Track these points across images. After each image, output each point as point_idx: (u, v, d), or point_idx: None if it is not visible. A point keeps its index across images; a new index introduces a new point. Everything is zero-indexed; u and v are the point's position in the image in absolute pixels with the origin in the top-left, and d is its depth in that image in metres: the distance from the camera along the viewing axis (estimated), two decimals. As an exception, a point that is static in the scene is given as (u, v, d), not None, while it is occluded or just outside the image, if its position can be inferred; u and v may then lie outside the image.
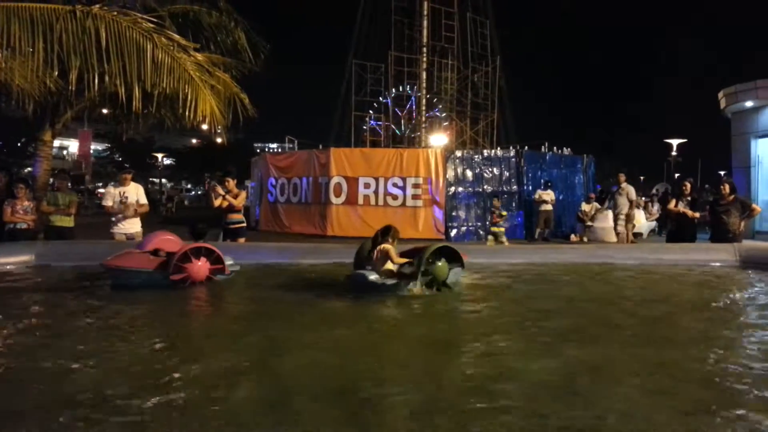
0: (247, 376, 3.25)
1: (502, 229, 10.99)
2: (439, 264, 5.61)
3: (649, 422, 2.63)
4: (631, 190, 13.54)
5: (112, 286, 5.82)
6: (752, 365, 3.48)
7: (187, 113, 8.77)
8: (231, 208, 8.44)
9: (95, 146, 49.78)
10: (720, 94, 15.67)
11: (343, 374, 3.31)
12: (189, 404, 2.81)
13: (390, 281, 5.63)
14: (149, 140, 48.82)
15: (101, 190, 39.62)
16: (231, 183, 8.54)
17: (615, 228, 13.49)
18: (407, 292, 5.55)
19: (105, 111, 11.87)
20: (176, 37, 8.97)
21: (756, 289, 6.50)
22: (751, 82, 14.22)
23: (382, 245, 5.79)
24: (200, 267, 5.85)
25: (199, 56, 9.35)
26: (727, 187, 8.55)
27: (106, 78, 8.54)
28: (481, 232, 15.47)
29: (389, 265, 5.76)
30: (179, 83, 8.59)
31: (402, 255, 5.89)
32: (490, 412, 2.75)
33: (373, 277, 5.65)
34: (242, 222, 8.68)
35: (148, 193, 9.50)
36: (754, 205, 9.07)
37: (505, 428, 2.57)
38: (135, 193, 8.31)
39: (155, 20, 8.92)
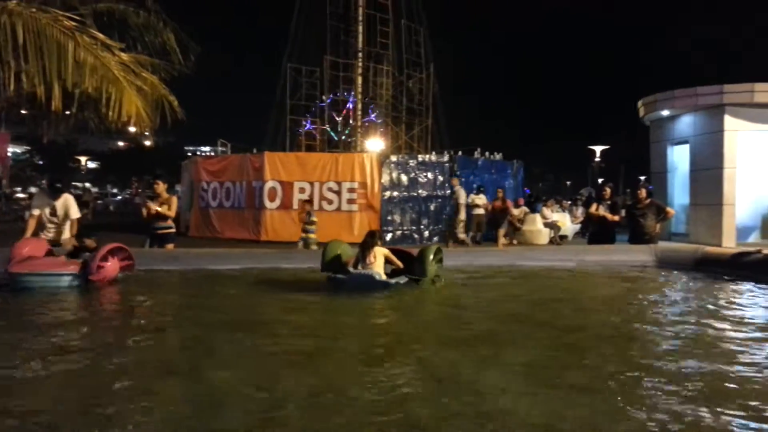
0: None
1: (314, 236, 10.89)
2: (432, 264, 6.20)
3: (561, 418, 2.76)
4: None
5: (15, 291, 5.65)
6: (667, 358, 3.71)
7: (111, 114, 8.45)
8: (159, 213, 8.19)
9: (13, 149, 47.13)
10: (639, 103, 16.53)
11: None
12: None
13: (402, 279, 6.09)
14: (72, 143, 46.72)
15: (21, 195, 37.51)
16: (161, 186, 8.28)
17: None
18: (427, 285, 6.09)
19: (23, 112, 11.28)
20: (100, 36, 8.66)
21: (670, 287, 6.92)
22: (669, 92, 15.05)
23: (376, 248, 6.12)
24: (115, 266, 6.09)
25: (125, 56, 9.05)
26: (643, 191, 9.07)
27: (24, 77, 8.12)
28: (416, 236, 15.70)
29: (381, 267, 6.09)
30: (103, 83, 8.27)
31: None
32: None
33: (378, 276, 5.94)
34: (171, 228, 8.43)
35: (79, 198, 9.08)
36: (668, 209, 9.65)
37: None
38: (63, 205, 7.89)
39: (77, 18, 8.57)
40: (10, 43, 7.81)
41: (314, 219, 11.03)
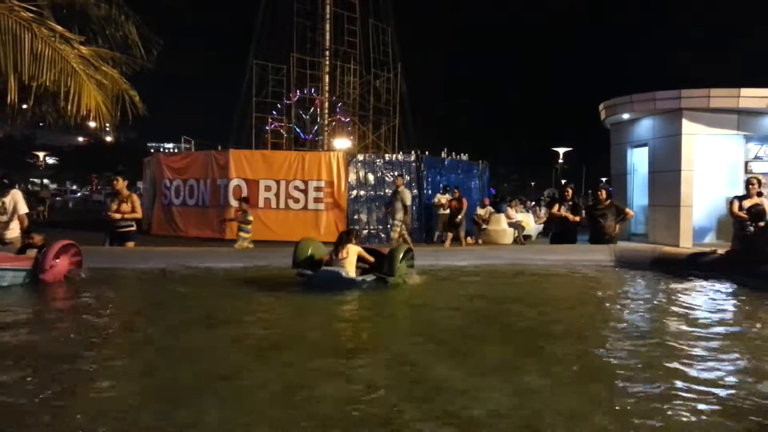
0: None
1: (248, 235, 10.70)
2: (401, 263, 6.20)
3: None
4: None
5: None
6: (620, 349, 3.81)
7: (69, 107, 8.22)
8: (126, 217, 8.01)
9: (-34, 143, 45.50)
10: (601, 106, 16.92)
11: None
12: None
13: (369, 277, 6.04)
14: (29, 137, 45.34)
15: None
16: (120, 183, 8.08)
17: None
18: (394, 282, 6.05)
19: (-24, 105, 10.88)
20: (59, 28, 8.42)
21: (627, 285, 7.10)
22: (628, 96, 15.45)
23: (349, 246, 6.08)
24: (65, 264, 6.00)
25: (84, 49, 8.82)
26: (603, 192, 9.27)
27: (-23, 69, 7.85)
28: (383, 235, 15.72)
29: (352, 264, 6.05)
30: (61, 76, 8.05)
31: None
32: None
33: (345, 274, 5.88)
34: (131, 225, 8.24)
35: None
36: (627, 210, 9.88)
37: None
38: (12, 201, 7.65)
39: (35, 9, 8.31)
40: (-38, 34, 7.53)
41: (250, 218, 10.90)
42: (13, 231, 7.68)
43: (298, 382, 3.15)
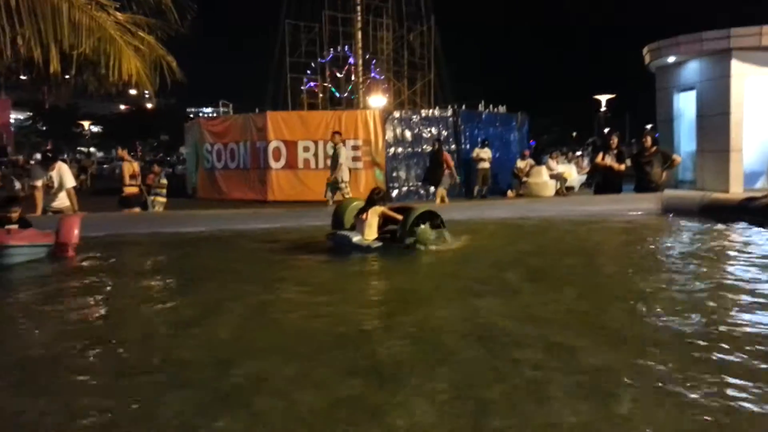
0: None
1: (163, 200, 10.19)
2: (423, 227, 5.88)
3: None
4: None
5: None
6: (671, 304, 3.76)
7: (110, 75, 8.36)
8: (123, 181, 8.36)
9: (16, 115, 46.93)
10: (645, 50, 16.18)
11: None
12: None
13: (375, 244, 5.82)
14: (73, 107, 46.40)
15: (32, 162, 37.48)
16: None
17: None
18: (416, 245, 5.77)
19: (23, 77, 11.17)
20: (93, -5, 8.47)
21: (674, 235, 6.93)
22: (673, 38, 14.73)
23: (373, 207, 5.92)
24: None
25: (120, 16, 8.88)
26: (648, 139, 8.98)
27: (20, 41, 8.01)
28: (422, 191, 15.67)
29: (374, 227, 5.90)
30: (100, 44, 8.15)
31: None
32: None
33: (356, 238, 5.80)
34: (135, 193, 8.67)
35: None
36: (674, 156, 9.58)
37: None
38: (58, 174, 7.92)
39: (70, -22, 8.36)
40: (2, 7, 7.66)
41: (164, 182, 10.80)
42: (62, 201, 7.99)
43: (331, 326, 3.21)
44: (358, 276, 5.11)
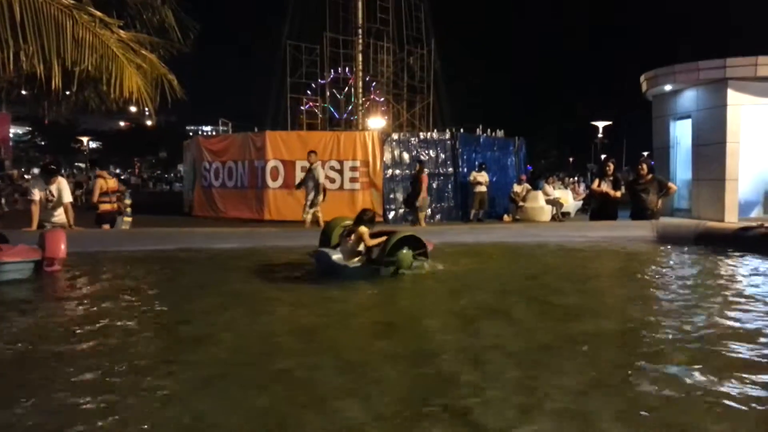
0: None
1: (129, 219, 10.13)
2: (404, 252, 5.72)
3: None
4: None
5: None
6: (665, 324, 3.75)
7: (111, 92, 8.42)
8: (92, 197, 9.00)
9: (15, 129, 47.12)
10: (642, 78, 16.39)
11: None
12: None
13: (353, 264, 5.70)
14: (73, 123, 46.60)
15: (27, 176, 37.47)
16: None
17: None
18: (385, 274, 5.60)
19: (24, 92, 11.24)
20: (98, 13, 8.56)
21: (668, 262, 6.95)
22: (670, 67, 14.92)
23: (361, 227, 5.77)
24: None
25: (123, 34, 8.97)
26: (644, 167, 9.04)
27: (22, 56, 8.07)
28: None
29: (360, 248, 5.79)
30: (102, 61, 8.22)
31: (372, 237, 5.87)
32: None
33: (336, 257, 5.70)
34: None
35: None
36: (670, 184, 9.63)
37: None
38: (57, 189, 7.94)
39: (74, -4, 8.46)
40: (7, 22, 7.73)
41: (128, 201, 10.82)
42: (59, 216, 7.99)
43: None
44: (345, 302, 5.00)
